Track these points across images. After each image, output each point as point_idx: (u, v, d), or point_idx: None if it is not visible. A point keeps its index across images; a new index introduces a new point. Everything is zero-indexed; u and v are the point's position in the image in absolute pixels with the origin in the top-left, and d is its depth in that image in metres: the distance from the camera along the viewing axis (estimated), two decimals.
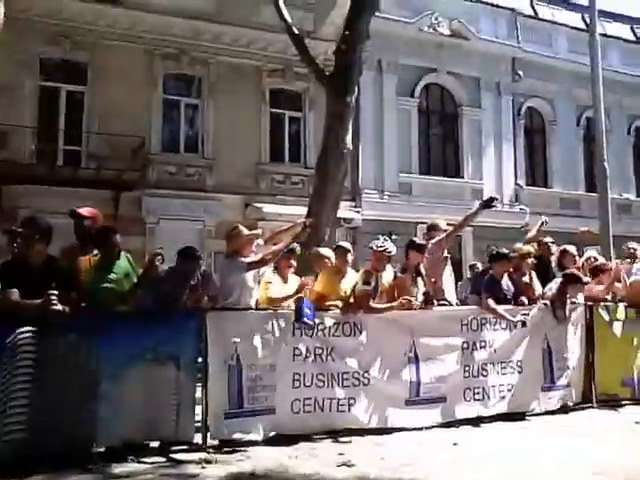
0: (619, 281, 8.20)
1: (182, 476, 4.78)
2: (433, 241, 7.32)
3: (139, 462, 5.02)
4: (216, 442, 5.60)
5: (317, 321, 6.09)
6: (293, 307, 6.05)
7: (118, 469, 4.85)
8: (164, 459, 5.18)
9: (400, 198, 18.38)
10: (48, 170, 14.90)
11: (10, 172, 14.01)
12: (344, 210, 14.59)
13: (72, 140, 15.91)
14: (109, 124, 15.23)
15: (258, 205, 16.35)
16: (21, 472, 4.50)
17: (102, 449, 5.15)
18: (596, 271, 8.29)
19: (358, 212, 17.45)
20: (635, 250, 9.33)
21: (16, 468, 4.52)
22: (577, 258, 8.56)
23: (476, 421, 6.69)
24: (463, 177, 19.90)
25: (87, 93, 16.03)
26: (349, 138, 10.74)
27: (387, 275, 6.77)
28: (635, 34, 24.24)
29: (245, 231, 6.31)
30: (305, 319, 5.90)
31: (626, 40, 23.31)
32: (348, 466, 4.97)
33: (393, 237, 10.22)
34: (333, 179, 10.51)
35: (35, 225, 5.22)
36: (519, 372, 7.14)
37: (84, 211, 6.04)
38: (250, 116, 17.14)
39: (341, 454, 5.34)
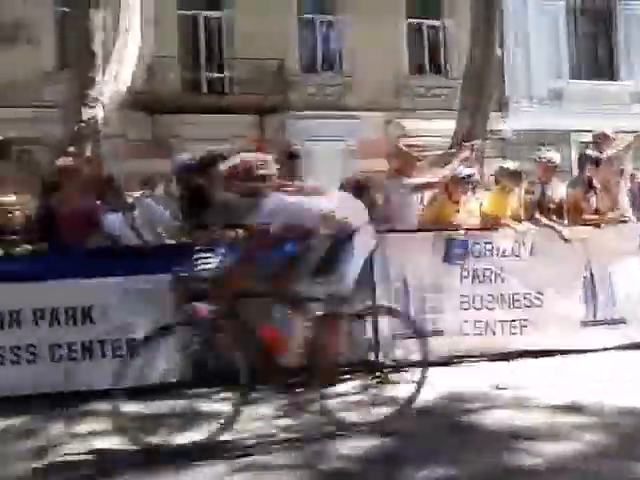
0: None
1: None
2: (609, 153, 6.72)
3: None
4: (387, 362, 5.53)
5: (486, 242, 5.84)
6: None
7: None
8: None
9: (550, 105, 17.21)
10: (193, 99, 15.22)
11: (158, 102, 14.46)
12: (492, 121, 13.84)
13: (214, 67, 16.10)
14: (248, 48, 15.19)
15: (399, 121, 15.92)
16: None
17: None
18: None
19: (505, 122, 16.52)
20: None
21: None
22: None
23: None
24: (620, 79, 18.25)
25: (224, 18, 16.05)
26: (497, 43, 10.08)
27: (558, 189, 6.34)
28: None
29: (406, 150, 6.10)
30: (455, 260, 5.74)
31: None
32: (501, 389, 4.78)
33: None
34: (483, 89, 9.95)
35: None
36: None
37: None
38: (387, 28, 16.33)
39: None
